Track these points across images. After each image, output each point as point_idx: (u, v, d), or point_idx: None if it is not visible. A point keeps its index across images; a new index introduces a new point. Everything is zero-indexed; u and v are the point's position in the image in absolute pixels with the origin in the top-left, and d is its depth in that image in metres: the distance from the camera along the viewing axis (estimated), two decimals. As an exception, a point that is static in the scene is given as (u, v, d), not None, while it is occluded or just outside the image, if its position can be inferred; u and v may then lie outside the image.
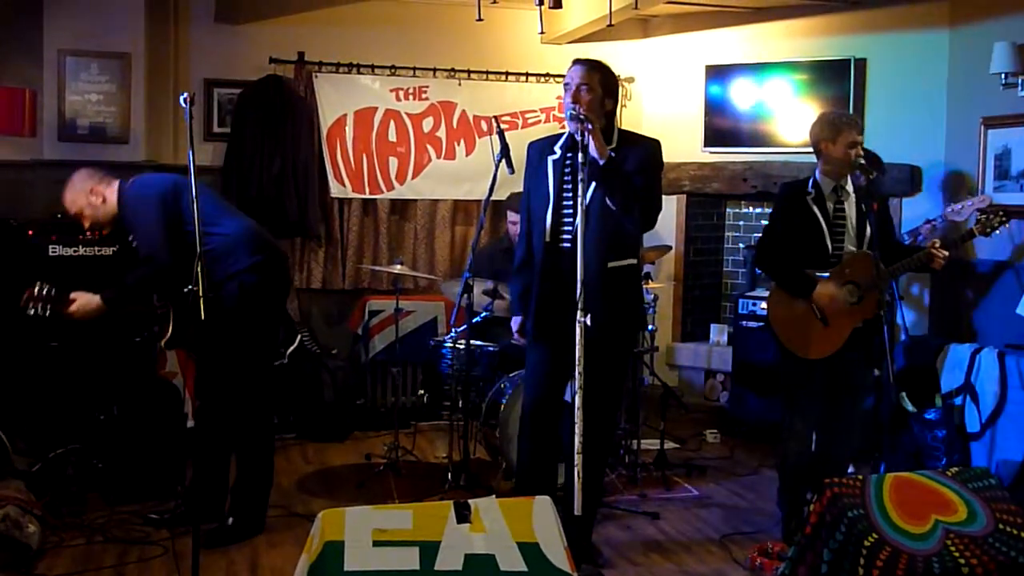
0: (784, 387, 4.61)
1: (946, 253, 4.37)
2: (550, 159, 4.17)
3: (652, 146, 4.18)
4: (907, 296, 6.31)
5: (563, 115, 3.92)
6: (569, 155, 4.12)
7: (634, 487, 5.37)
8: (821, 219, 4.43)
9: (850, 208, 4.47)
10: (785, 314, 4.52)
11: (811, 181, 4.48)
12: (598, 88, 4.07)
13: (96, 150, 5.97)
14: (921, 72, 6.38)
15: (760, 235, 4.73)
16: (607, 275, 4.05)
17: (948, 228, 5.64)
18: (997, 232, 4.68)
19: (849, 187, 4.47)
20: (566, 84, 4.08)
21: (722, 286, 7.80)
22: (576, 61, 4.13)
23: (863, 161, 4.34)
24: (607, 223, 3.99)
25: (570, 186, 4.10)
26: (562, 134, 4.24)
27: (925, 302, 6.38)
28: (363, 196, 6.95)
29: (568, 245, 4.07)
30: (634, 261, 4.19)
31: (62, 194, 4.55)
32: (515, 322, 4.41)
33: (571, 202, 4.08)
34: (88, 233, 4.80)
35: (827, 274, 4.41)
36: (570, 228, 4.06)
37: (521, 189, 4.40)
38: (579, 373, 3.41)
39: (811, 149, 4.56)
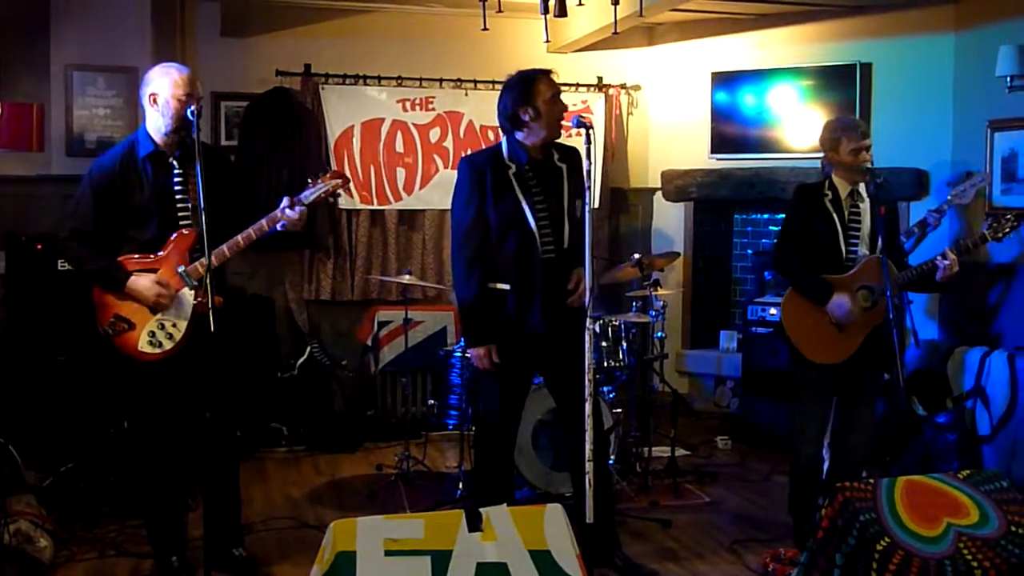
0: (795, 392, 4.59)
1: (955, 268, 4.24)
2: (510, 173, 4.12)
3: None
4: (917, 300, 6.29)
5: (570, 123, 3.93)
6: (526, 166, 4.12)
7: (645, 495, 5.36)
8: (837, 221, 4.40)
9: (864, 212, 4.45)
10: (799, 318, 4.49)
11: (827, 182, 4.46)
12: None
13: (104, 164, 5.98)
14: (927, 76, 6.38)
15: (775, 239, 4.70)
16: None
17: (959, 218, 5.60)
18: (1008, 237, 4.67)
19: (863, 191, 4.45)
20: (560, 95, 4.13)
21: (731, 292, 7.78)
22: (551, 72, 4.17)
23: (868, 166, 4.33)
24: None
25: (541, 196, 4.10)
26: (497, 147, 4.21)
27: (936, 306, 6.36)
28: (371, 207, 6.96)
29: (552, 256, 4.09)
30: None
31: None
32: (482, 352, 4.12)
33: (544, 213, 4.10)
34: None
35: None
36: (551, 239, 4.09)
37: None
38: (589, 380, 3.42)
39: (818, 154, 4.56)
